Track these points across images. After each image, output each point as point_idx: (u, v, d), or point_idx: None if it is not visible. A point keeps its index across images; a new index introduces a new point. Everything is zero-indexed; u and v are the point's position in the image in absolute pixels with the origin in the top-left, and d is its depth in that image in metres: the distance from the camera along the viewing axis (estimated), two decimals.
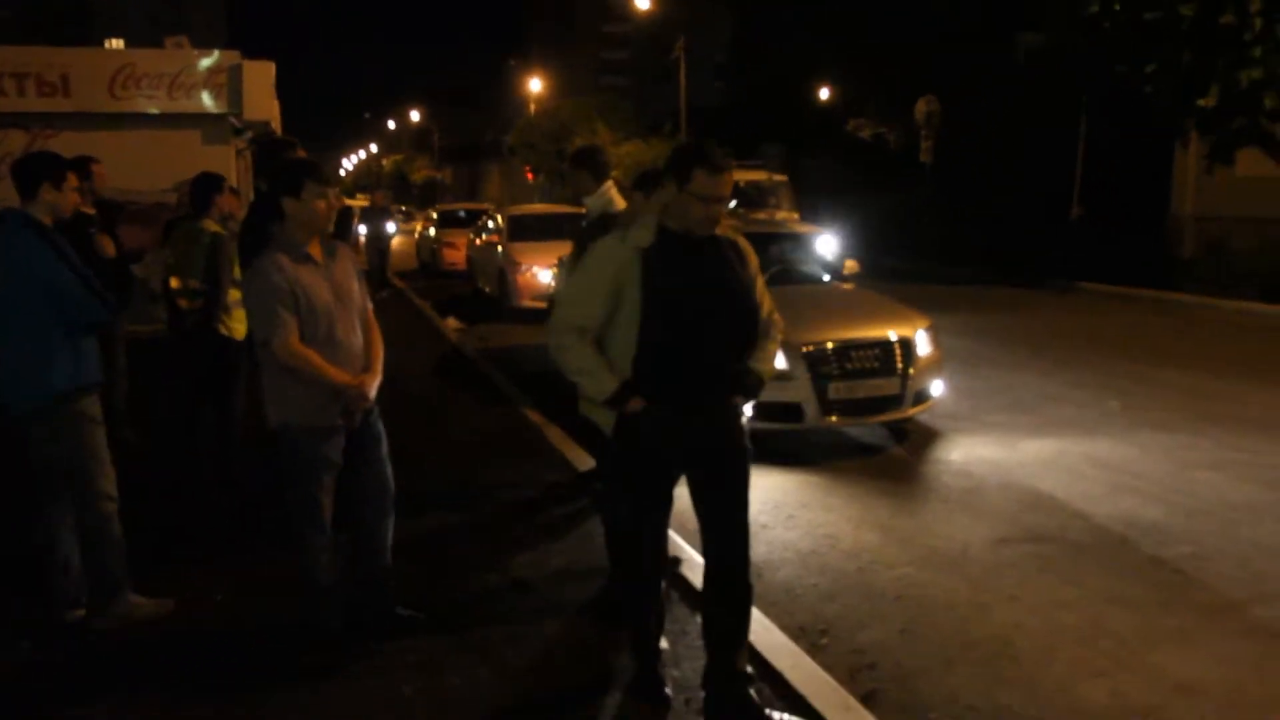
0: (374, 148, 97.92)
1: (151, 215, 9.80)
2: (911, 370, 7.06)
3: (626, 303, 3.34)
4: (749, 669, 3.59)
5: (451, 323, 14.01)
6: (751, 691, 3.53)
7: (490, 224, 17.04)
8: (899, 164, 25.90)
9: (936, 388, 7.42)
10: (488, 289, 16.00)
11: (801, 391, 6.78)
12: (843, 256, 11.30)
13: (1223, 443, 7.19)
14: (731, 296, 3.42)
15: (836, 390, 6.87)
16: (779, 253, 8.97)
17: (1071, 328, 13.01)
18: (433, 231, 22.79)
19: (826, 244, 12.78)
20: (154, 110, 11.67)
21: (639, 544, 3.58)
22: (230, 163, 11.89)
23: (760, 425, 6.16)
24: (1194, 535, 5.42)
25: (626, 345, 3.36)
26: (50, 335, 4.04)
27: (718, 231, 3.43)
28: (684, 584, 4.55)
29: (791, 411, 6.79)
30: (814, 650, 4.11)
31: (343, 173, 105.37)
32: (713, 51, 47.61)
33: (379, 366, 4.02)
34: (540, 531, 5.45)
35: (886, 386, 7.03)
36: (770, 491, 6.18)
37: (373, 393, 3.96)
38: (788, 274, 8.36)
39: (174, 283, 6.01)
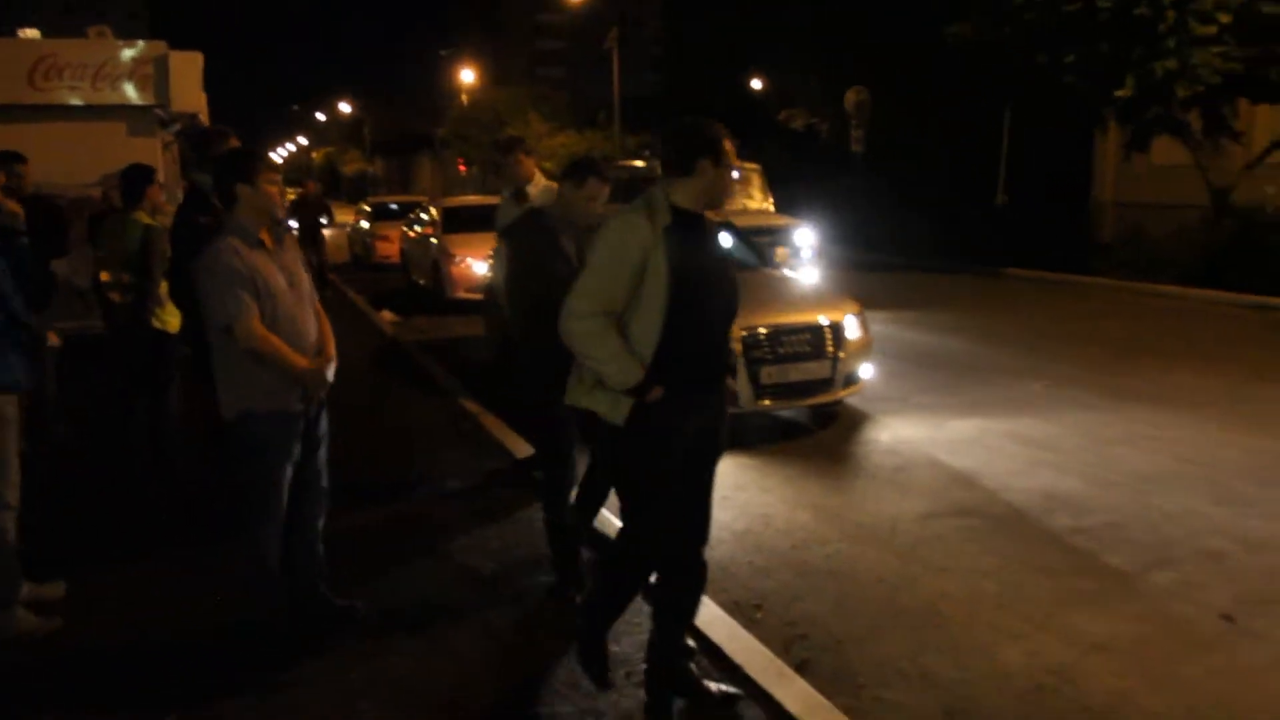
0: (303, 140, 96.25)
1: (75, 210, 9.62)
2: (842, 354, 7.25)
3: (649, 284, 3.23)
4: (690, 642, 3.72)
5: (387, 315, 13.94)
6: (692, 665, 3.65)
7: (424, 216, 16.96)
8: (831, 154, 26.28)
9: (866, 371, 7.63)
10: (422, 281, 15.93)
11: (736, 376, 6.91)
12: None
13: (1137, 419, 7.51)
14: (731, 275, 3.47)
15: (769, 375, 7.03)
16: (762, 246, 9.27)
17: (996, 312, 13.39)
18: (365, 225, 22.57)
19: (804, 236, 12.66)
20: (77, 102, 11.42)
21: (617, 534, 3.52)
22: (157, 155, 11.66)
23: None
24: (1108, 505, 5.69)
25: (648, 329, 3.26)
26: None
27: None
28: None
29: None
30: (750, 624, 4.24)
31: None
32: (647, 42, 47.71)
33: (333, 351, 4.01)
34: (480, 518, 5.52)
35: (818, 370, 7.21)
36: None
37: (330, 377, 3.95)
38: None
39: (104, 276, 5.95)
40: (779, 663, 3.84)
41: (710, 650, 3.91)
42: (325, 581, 4.23)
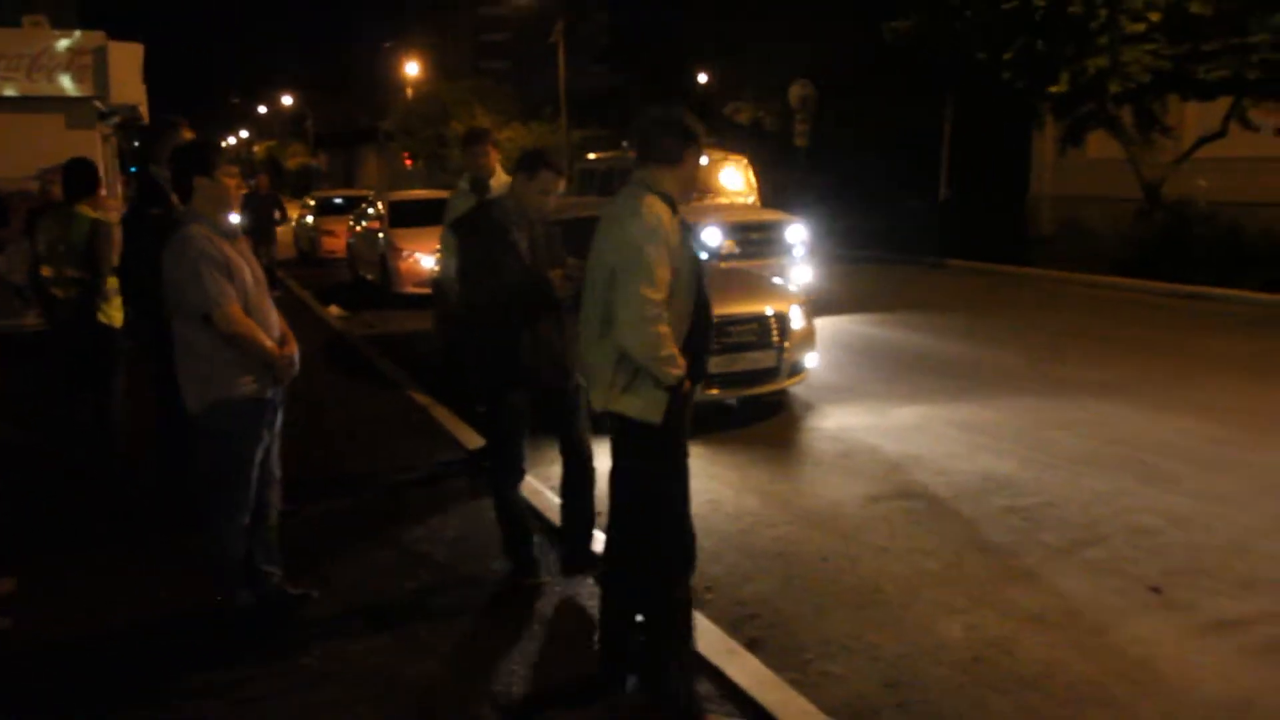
0: (244, 133, 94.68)
1: (12, 204, 9.45)
2: (787, 344, 7.39)
3: (682, 271, 3.25)
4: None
5: (334, 310, 13.86)
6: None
7: (370, 210, 16.85)
8: (776, 147, 26.52)
9: (811, 360, 7.79)
10: (369, 276, 15.85)
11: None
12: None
13: (1073, 404, 7.76)
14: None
15: (716, 364, 7.14)
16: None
17: (938, 303, 13.66)
18: (310, 219, 22.37)
19: (796, 232, 11.95)
20: (11, 93, 11.18)
21: (681, 520, 3.48)
22: (96, 148, 11.46)
23: None
24: (1043, 487, 5.90)
25: (682, 316, 3.28)
26: None
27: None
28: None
29: None
30: (701, 605, 4.35)
31: None
32: (592, 34, 47.67)
33: (293, 339, 4.07)
34: (432, 507, 5.58)
35: (763, 359, 7.34)
36: None
37: (297, 362, 4.01)
38: None
39: (46, 271, 5.87)
40: (730, 641, 3.96)
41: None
42: (280, 570, 4.26)
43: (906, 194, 22.45)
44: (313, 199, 24.66)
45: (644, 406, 3.29)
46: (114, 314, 5.81)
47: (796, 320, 7.57)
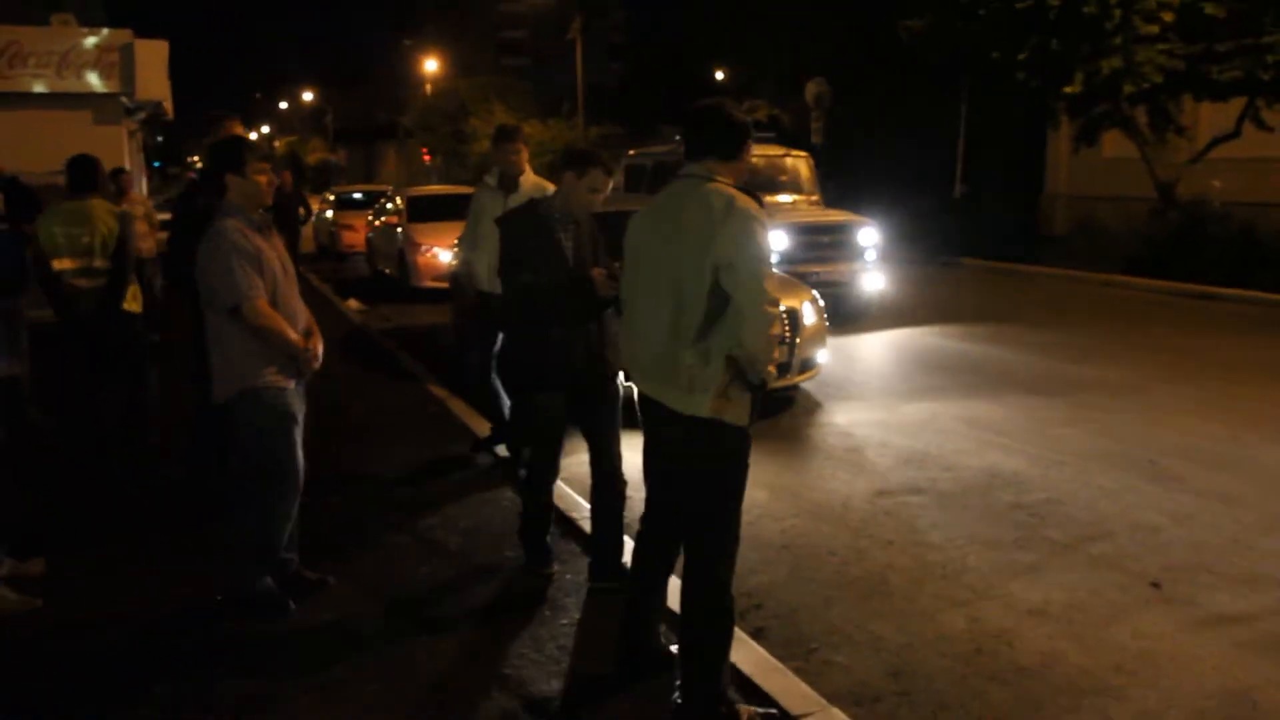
0: (266, 129, 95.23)
1: (44, 198, 9.61)
2: (798, 339, 7.48)
3: None
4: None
5: (353, 304, 14.02)
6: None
7: (389, 205, 17.02)
8: (791, 145, 26.56)
9: (822, 356, 7.87)
10: (388, 270, 16.01)
11: None
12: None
13: (1082, 402, 7.83)
14: None
15: None
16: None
17: (952, 301, 13.72)
18: (330, 214, 22.58)
19: (868, 235, 11.19)
20: (41, 89, 11.37)
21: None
22: (122, 143, 11.68)
23: None
24: (1049, 483, 5.98)
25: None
26: None
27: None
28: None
29: None
30: None
31: None
32: (609, 30, 47.75)
33: (318, 333, 4.19)
34: (447, 497, 5.70)
35: (775, 355, 7.41)
36: None
37: (321, 357, 4.13)
38: None
39: (67, 264, 5.94)
40: (736, 629, 4.04)
41: (669, 618, 4.10)
42: (296, 556, 4.39)
43: (921, 192, 22.45)
44: (332, 194, 24.88)
45: (737, 410, 3.22)
46: (132, 304, 5.96)
47: (809, 316, 7.65)
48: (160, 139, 51.07)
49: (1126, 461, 6.35)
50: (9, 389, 4.77)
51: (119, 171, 10.45)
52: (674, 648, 3.81)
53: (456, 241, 7.03)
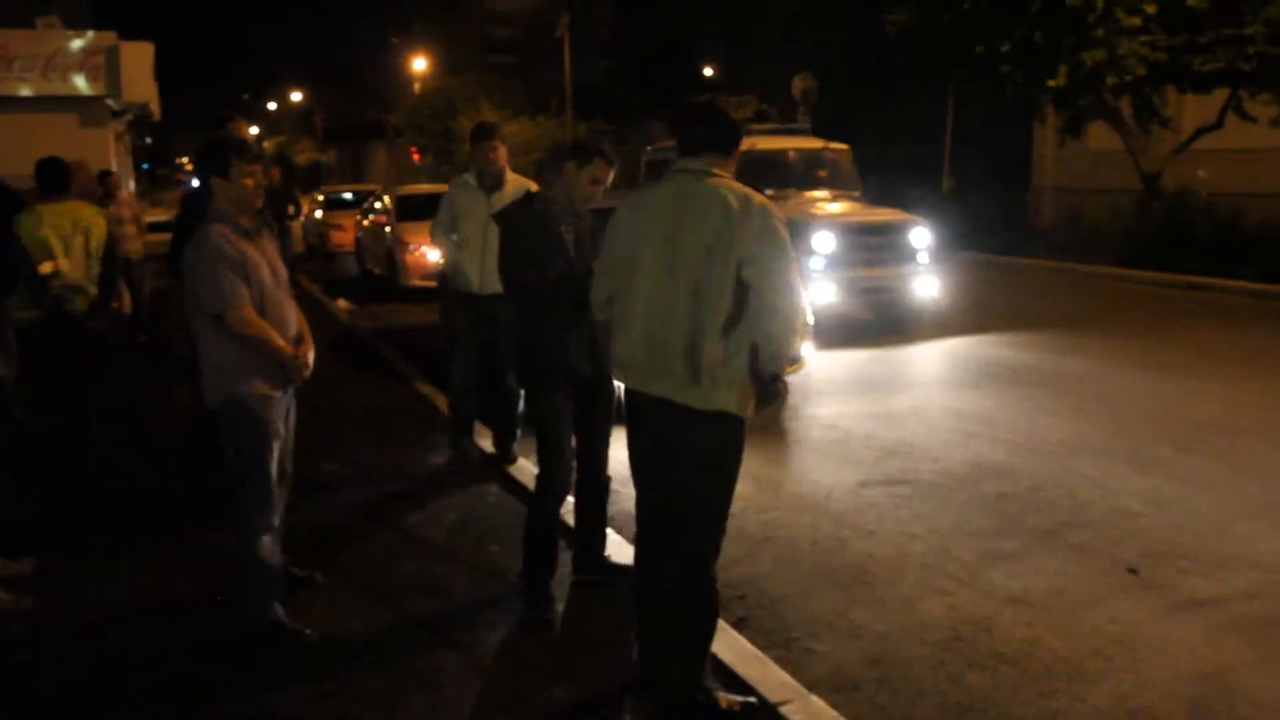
0: (254, 129, 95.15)
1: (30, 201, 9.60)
2: None
3: None
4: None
5: (342, 304, 14.05)
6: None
7: (378, 205, 17.03)
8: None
9: (807, 349, 7.91)
10: (376, 270, 16.03)
11: None
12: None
13: (1067, 392, 7.90)
14: None
15: None
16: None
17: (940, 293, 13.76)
18: (319, 214, 22.58)
19: (921, 236, 10.57)
20: (27, 93, 11.37)
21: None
22: (109, 146, 11.67)
23: None
24: (1031, 472, 6.04)
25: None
26: None
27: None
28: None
29: None
30: None
31: None
32: (596, 27, 47.73)
33: (310, 339, 4.10)
34: (435, 494, 5.74)
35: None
36: None
37: (311, 364, 4.03)
38: None
39: (61, 265, 5.99)
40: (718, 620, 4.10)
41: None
42: (285, 553, 4.42)
43: (909, 185, 22.51)
44: (321, 194, 24.87)
45: (741, 401, 3.25)
46: (118, 304, 6.00)
47: None
48: (149, 140, 50.93)
49: (1110, 449, 6.42)
50: None
51: (106, 174, 10.46)
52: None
53: (430, 234, 6.91)
